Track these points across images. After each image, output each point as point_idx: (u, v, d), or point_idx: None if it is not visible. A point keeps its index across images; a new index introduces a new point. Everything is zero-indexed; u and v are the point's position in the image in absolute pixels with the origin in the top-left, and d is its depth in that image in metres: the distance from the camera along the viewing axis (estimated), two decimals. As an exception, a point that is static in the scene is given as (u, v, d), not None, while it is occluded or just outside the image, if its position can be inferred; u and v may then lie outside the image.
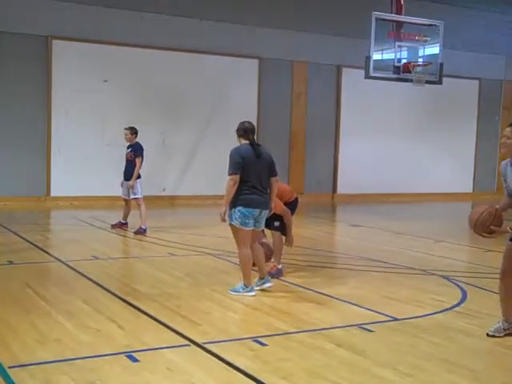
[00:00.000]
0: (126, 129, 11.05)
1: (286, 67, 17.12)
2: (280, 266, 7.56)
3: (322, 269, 8.05)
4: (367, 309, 6.16)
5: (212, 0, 15.99)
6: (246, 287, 6.57)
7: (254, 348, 4.91)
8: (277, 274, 7.46)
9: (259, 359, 4.68)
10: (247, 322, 5.79)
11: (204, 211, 14.78)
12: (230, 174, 6.39)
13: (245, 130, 6.62)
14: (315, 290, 6.87)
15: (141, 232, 10.57)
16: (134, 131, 10.99)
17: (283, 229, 7.56)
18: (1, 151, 14.35)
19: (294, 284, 7.16)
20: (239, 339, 5.12)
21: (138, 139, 10.97)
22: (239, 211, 6.40)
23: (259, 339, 5.09)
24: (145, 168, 11.09)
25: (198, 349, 4.85)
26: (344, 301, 6.45)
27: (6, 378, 4.12)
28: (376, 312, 6.04)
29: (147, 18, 15.40)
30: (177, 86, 15.94)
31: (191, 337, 5.09)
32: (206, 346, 4.89)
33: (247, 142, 6.60)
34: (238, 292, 6.57)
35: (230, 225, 6.55)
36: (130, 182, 10.72)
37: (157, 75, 15.73)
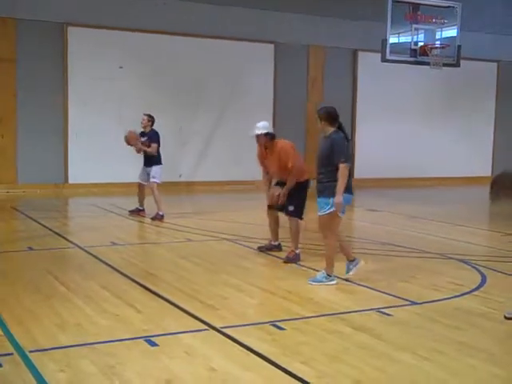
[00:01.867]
0: (145, 114, 11.03)
1: (301, 52, 17.02)
2: (298, 251, 7.56)
3: (339, 253, 8.00)
4: (385, 293, 6.14)
5: (227, -15, 15.92)
6: (330, 276, 6.51)
7: (273, 332, 4.92)
8: (295, 259, 7.47)
9: (278, 343, 4.69)
10: (265, 307, 5.81)
11: (220, 197, 14.81)
12: (343, 162, 6.24)
13: (334, 118, 6.45)
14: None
15: (158, 218, 10.60)
16: (151, 119, 10.98)
17: (299, 213, 7.56)
18: (20, 139, 14.43)
19: (312, 268, 7.14)
20: (257, 323, 5.14)
21: (154, 126, 10.97)
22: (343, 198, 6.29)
23: (277, 323, 5.10)
24: (162, 154, 11.10)
25: (216, 333, 4.87)
26: (362, 285, 6.44)
27: (27, 361, 4.17)
28: (394, 296, 6.02)
29: (163, 4, 15.35)
30: (193, 72, 15.91)
31: (209, 321, 5.11)
32: (224, 330, 4.91)
33: (334, 128, 6.44)
34: (321, 282, 6.45)
35: (324, 214, 6.41)
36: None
37: (173, 61, 15.71)
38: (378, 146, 17.85)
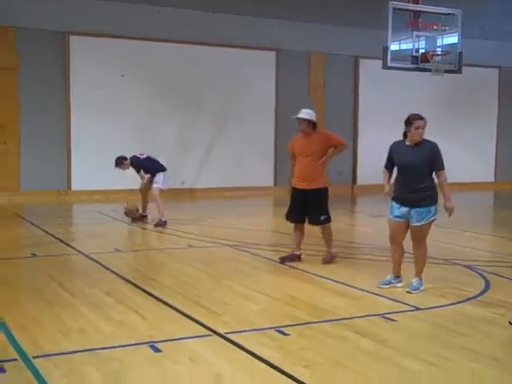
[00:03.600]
0: (117, 167, 11.01)
1: (303, 58, 17.04)
2: (334, 250, 7.94)
3: (344, 259, 8.03)
4: (390, 298, 6.13)
5: (228, -8, 15.97)
6: (422, 281, 6.54)
7: (276, 338, 4.92)
8: (332, 259, 7.85)
9: (281, 349, 4.68)
10: (268, 312, 5.79)
11: (223, 203, 14.80)
12: (443, 169, 6.37)
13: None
14: (337, 280, 6.86)
15: (161, 224, 10.61)
16: (122, 161, 10.94)
17: (330, 218, 7.86)
18: (23, 147, 14.45)
19: (316, 274, 7.15)
20: (261, 329, 5.12)
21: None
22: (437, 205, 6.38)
23: (281, 329, 5.09)
24: (164, 162, 11.12)
25: (220, 339, 4.86)
26: (366, 291, 6.43)
27: (31, 367, 4.16)
28: (398, 302, 6.02)
29: (164, 12, 15.40)
30: (194, 79, 15.93)
31: (213, 327, 5.10)
32: (228, 336, 4.90)
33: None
34: (419, 289, 6.44)
35: (425, 223, 6.41)
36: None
37: (174, 69, 15.74)
38: (381, 152, 17.74)
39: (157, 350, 4.56)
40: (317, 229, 7.92)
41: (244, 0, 16.13)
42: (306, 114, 7.72)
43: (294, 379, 4.08)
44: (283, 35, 16.63)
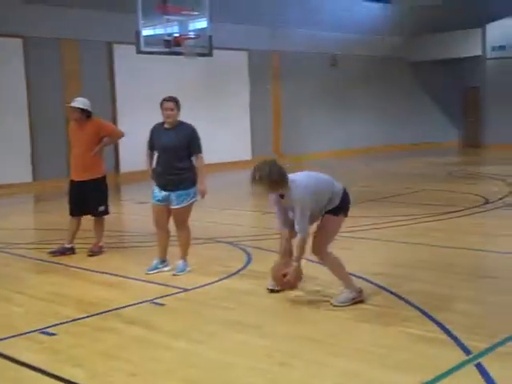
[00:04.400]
0: None
1: (53, 46, 16.26)
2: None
3: (112, 249, 7.89)
4: (158, 283, 6.19)
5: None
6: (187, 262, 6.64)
7: (42, 340, 4.71)
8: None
9: (49, 350, 4.51)
10: (32, 314, 5.48)
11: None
12: (200, 152, 6.54)
13: None
14: (105, 272, 6.75)
15: None
16: None
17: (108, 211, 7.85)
18: None
19: (82, 268, 6.95)
20: (25, 333, 4.86)
21: None
22: None
23: (47, 330, 4.89)
24: None
25: (-20, 350, 4.54)
26: (135, 279, 6.41)
27: None
28: (166, 285, 6.10)
29: None
30: None
31: (-30, 339, 4.75)
32: (-12, 345, 4.60)
33: None
34: (185, 270, 6.52)
35: (186, 205, 6.52)
36: None
37: None
38: (141, 137, 17.73)
39: None
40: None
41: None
42: (78, 102, 7.52)
43: (62, 379, 3.95)
44: (29, 20, 15.70)
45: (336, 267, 5.38)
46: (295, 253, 5.23)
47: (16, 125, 15.58)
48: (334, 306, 5.21)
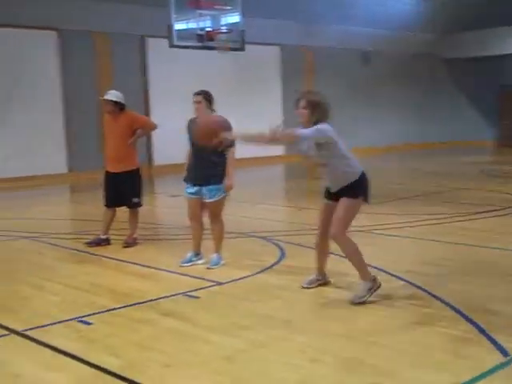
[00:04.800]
0: None
1: (85, 39, 16.41)
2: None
3: (147, 241, 7.96)
4: (192, 276, 6.20)
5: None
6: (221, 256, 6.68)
7: (80, 329, 4.77)
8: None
9: (85, 339, 4.56)
10: (69, 303, 5.55)
11: (17, 194, 13.98)
12: (232, 145, 6.50)
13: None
14: (139, 263, 6.80)
15: None
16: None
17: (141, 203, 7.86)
18: None
19: (117, 259, 7.03)
20: (62, 321, 4.93)
21: None
22: None
23: (83, 319, 4.95)
24: None
25: (19, 337, 4.61)
26: (168, 271, 6.45)
27: None
28: (200, 278, 6.11)
29: None
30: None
31: (10, 325, 4.82)
32: (26, 333, 4.66)
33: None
34: (219, 263, 6.53)
35: (219, 199, 6.55)
36: None
37: None
38: (174, 131, 17.83)
39: None
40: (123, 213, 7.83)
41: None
42: (112, 95, 7.58)
43: (103, 370, 3.99)
44: (65, 14, 15.88)
45: (353, 253, 5.34)
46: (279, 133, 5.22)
47: (52, 117, 15.80)
48: (356, 303, 5.18)
